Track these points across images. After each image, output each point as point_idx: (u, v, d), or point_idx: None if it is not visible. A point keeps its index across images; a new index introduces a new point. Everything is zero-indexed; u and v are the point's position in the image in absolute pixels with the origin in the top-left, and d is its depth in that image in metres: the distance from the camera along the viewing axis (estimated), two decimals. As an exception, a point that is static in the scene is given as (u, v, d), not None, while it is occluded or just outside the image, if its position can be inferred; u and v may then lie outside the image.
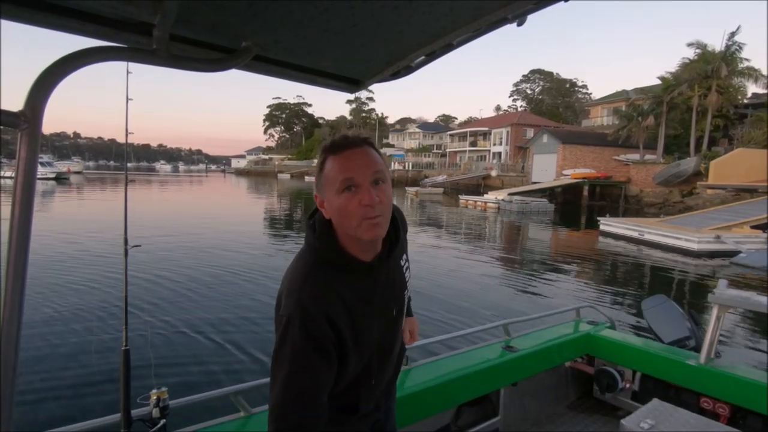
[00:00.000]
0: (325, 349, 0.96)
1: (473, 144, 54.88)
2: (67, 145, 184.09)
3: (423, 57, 1.22)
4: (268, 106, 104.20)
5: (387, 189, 1.01)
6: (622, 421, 2.01)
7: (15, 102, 0.84)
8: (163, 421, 1.50)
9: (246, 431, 1.74)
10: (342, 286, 1.01)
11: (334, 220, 1.01)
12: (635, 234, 15.58)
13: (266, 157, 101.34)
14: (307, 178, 65.23)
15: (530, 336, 3.02)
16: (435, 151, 65.99)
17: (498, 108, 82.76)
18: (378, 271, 1.07)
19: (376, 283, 1.07)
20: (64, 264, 9.35)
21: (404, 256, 1.21)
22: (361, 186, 0.96)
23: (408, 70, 1.31)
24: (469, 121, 73.92)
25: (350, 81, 1.40)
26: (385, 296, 1.10)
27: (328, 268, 1.01)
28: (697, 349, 2.92)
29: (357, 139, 1.01)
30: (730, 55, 29.35)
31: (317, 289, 0.98)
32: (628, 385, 3.00)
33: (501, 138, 49.56)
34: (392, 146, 74.87)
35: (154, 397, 1.52)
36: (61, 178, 45.54)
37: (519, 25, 1.00)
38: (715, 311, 2.58)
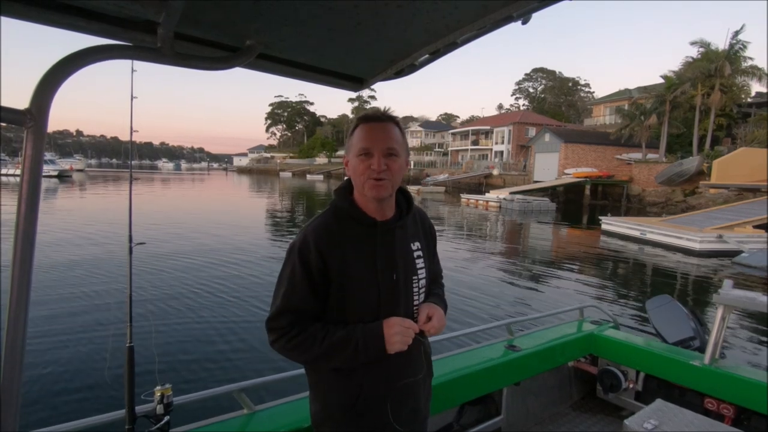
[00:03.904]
0: (312, 274, 1.16)
1: (475, 143, 54.73)
2: (69, 143, 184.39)
3: (427, 56, 1.21)
4: (270, 105, 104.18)
5: (397, 161, 1.20)
6: (626, 421, 2.00)
7: (21, 100, 0.84)
8: (166, 418, 1.50)
9: (249, 429, 1.74)
10: (343, 236, 1.19)
11: (352, 178, 1.23)
12: (637, 233, 15.53)
13: (268, 155, 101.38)
14: (308, 176, 65.21)
15: (533, 335, 3.02)
16: (437, 149, 65.87)
17: (500, 107, 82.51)
18: (381, 231, 1.22)
19: (376, 242, 1.22)
20: (69, 261, 9.37)
21: (417, 244, 1.32)
22: (374, 155, 1.16)
23: (412, 68, 1.29)
24: (471, 120, 73.76)
25: (354, 79, 1.39)
26: (385, 258, 1.22)
27: (338, 221, 1.21)
28: (702, 349, 2.92)
29: (384, 115, 1.21)
30: (733, 54, 29.17)
31: (319, 230, 1.19)
32: (631, 386, 2.99)
33: (503, 137, 49.41)
34: (394, 145, 74.66)
35: (158, 394, 1.52)
36: (63, 176, 45.70)
37: (524, 23, 0.99)
38: (720, 311, 2.56)
